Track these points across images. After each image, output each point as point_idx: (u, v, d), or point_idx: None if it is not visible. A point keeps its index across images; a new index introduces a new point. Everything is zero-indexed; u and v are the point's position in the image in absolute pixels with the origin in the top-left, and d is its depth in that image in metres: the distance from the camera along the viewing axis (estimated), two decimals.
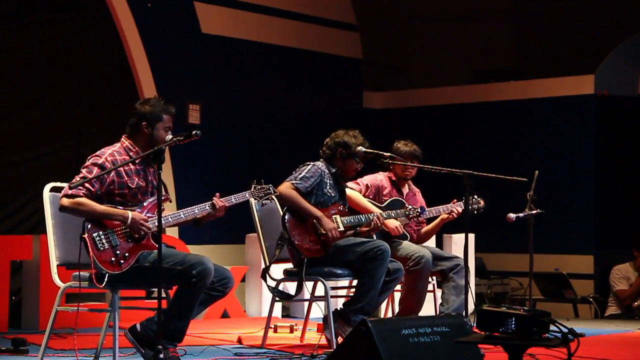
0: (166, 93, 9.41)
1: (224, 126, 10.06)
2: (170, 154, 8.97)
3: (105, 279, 5.14)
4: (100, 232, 5.16)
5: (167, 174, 9.16)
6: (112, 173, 5.24)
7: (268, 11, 10.57)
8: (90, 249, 5.12)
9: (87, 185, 5.17)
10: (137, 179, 5.33)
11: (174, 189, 9.31)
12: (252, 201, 6.52)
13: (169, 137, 5.34)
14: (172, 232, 8.87)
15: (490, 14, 12.72)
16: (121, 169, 5.28)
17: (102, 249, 5.14)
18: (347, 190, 6.63)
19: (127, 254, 5.18)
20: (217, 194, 5.45)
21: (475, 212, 6.87)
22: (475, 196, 6.88)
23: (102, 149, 5.37)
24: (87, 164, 5.29)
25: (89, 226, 5.16)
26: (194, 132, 5.23)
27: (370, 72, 12.23)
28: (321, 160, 6.44)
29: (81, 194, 5.16)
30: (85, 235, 5.12)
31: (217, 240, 9.52)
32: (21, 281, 7.87)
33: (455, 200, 6.97)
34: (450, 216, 6.94)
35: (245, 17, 10.35)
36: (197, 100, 9.77)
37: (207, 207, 5.41)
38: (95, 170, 5.22)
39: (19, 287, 7.91)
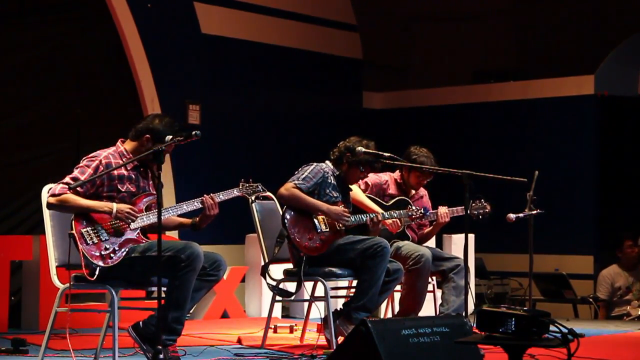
0: (166, 93, 9.42)
1: (224, 126, 10.05)
2: (170, 154, 8.93)
3: (97, 273, 5.16)
4: (89, 228, 5.21)
5: (166, 174, 9.15)
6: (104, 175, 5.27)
7: (268, 11, 10.56)
8: (79, 244, 5.15)
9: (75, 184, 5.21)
10: (127, 184, 5.37)
11: (173, 189, 9.31)
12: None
13: (169, 137, 5.35)
14: (172, 232, 8.85)
15: (490, 14, 12.72)
16: (114, 172, 5.30)
17: (91, 243, 5.18)
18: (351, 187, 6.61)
19: (116, 248, 5.22)
20: (205, 194, 5.48)
21: (481, 217, 6.83)
22: (482, 200, 6.84)
23: (98, 151, 5.41)
24: (80, 164, 5.34)
25: (77, 222, 5.19)
26: (194, 132, 5.25)
27: (370, 72, 12.22)
28: (329, 161, 6.43)
29: (66, 191, 5.20)
30: (74, 232, 5.16)
31: (217, 240, 9.50)
32: (21, 281, 7.86)
33: (440, 205, 6.93)
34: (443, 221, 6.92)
35: (245, 17, 10.34)
36: (197, 100, 9.76)
37: (196, 204, 5.44)
38: (88, 172, 5.27)
39: (18, 287, 7.91)
